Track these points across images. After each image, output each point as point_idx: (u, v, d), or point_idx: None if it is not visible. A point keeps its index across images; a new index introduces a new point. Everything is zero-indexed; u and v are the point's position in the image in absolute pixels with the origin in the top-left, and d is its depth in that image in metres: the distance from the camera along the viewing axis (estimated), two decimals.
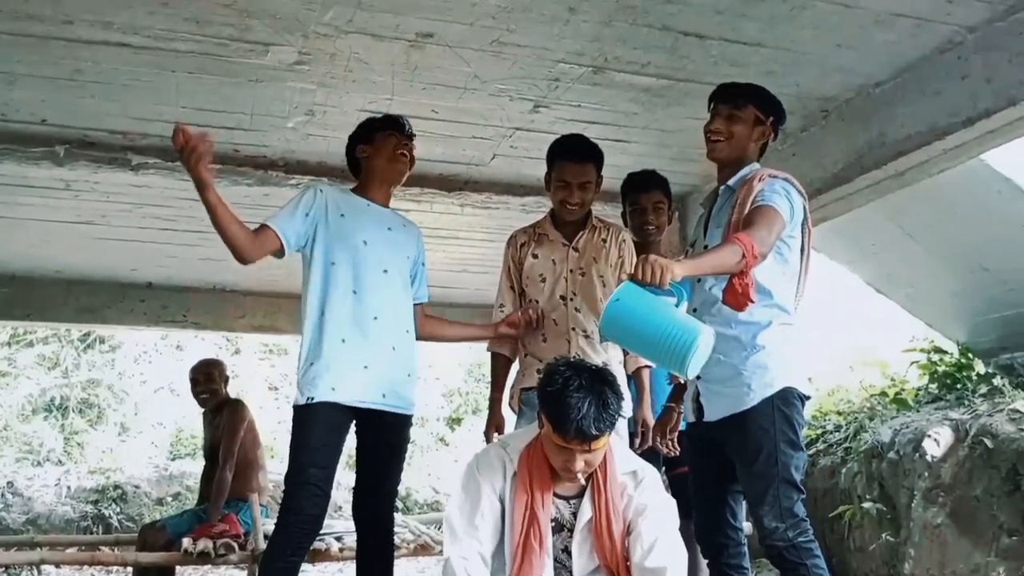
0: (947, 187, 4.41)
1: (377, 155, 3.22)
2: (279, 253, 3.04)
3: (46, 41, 3.29)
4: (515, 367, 3.54)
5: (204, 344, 12.00)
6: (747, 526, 3.02)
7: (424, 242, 3.43)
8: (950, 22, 3.26)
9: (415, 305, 3.34)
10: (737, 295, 2.50)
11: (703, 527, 2.89)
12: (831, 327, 8.83)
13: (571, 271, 3.39)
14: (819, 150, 4.11)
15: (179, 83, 3.65)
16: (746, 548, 2.95)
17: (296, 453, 2.99)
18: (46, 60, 3.44)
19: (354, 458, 3.26)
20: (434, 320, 3.49)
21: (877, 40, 3.38)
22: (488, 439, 3.39)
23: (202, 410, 5.33)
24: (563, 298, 3.38)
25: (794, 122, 4.14)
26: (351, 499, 3.28)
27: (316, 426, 2.98)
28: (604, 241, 3.43)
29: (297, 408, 3.03)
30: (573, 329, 3.35)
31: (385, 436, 3.18)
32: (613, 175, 3.87)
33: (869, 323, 8.02)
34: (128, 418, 11.96)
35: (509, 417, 3.47)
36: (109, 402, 11.89)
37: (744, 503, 2.94)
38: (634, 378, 3.44)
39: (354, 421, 3.15)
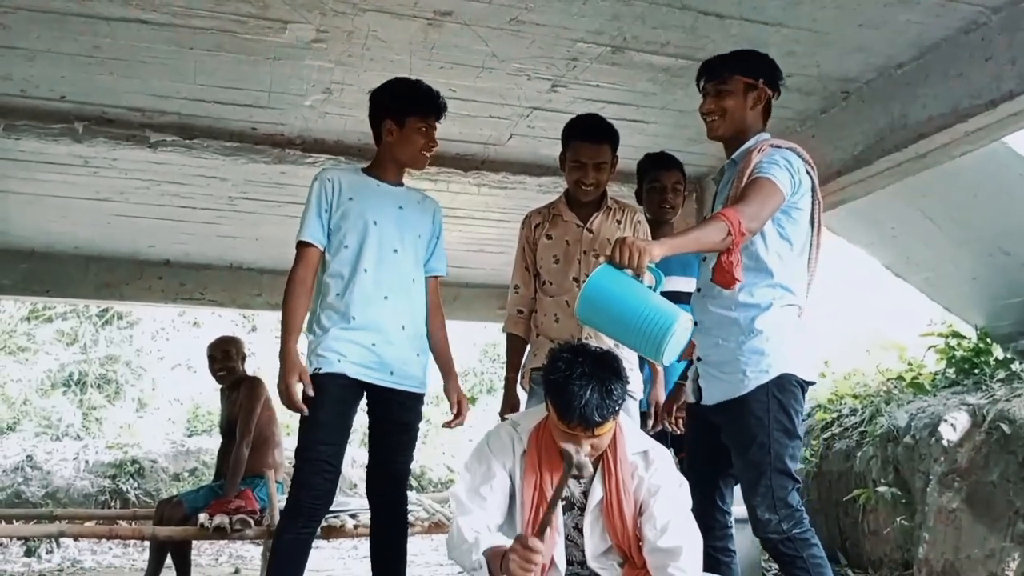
0: (968, 170, 4.37)
1: (404, 145, 3.17)
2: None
3: (66, 17, 3.30)
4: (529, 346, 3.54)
5: (221, 321, 12.06)
6: (737, 510, 2.99)
7: (443, 217, 3.41)
8: (974, 2, 3.22)
9: (428, 277, 3.34)
10: (723, 273, 2.45)
11: (693, 507, 2.86)
12: (848, 310, 8.79)
13: (585, 252, 3.38)
14: (839, 132, 4.08)
15: (197, 60, 3.66)
16: (732, 532, 2.93)
17: (306, 429, 3.02)
18: (65, 36, 3.45)
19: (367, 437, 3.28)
20: (439, 320, 3.38)
21: (900, 20, 3.35)
22: (504, 419, 3.40)
23: (219, 387, 5.36)
24: (576, 279, 3.36)
25: (814, 103, 4.12)
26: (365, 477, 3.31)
27: (325, 401, 3.00)
28: (619, 222, 3.42)
29: (310, 377, 3.03)
30: None
31: (396, 415, 3.18)
32: (631, 155, 3.87)
33: (887, 307, 7.98)
34: (146, 394, 12.05)
35: (524, 397, 3.48)
36: (127, 378, 11.99)
37: (734, 488, 2.92)
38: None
39: (366, 398, 3.16)
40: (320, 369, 3.02)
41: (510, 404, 3.43)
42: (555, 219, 3.45)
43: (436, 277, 3.37)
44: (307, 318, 3.15)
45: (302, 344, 3.11)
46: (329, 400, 3.01)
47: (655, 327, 2.32)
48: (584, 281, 3.32)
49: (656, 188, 3.75)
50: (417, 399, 3.24)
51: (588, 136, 3.31)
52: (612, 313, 2.37)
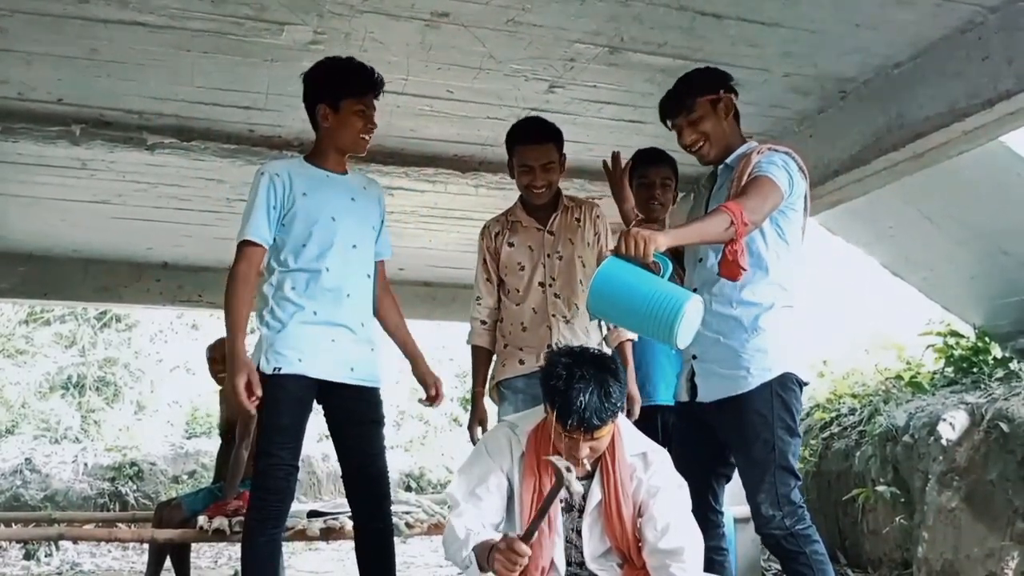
0: (966, 169, 4.38)
1: (341, 130, 3.05)
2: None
3: (63, 20, 3.29)
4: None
5: (219, 323, 12.03)
6: (739, 510, 3.00)
7: (385, 200, 3.31)
8: (971, 2, 3.22)
9: (380, 261, 3.27)
10: (729, 264, 2.48)
11: None
12: (847, 310, 8.80)
13: (548, 255, 3.38)
14: (837, 132, 4.08)
15: (194, 62, 3.65)
16: (725, 531, 2.95)
17: (267, 432, 2.95)
18: (63, 39, 3.44)
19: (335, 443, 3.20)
20: (391, 302, 3.31)
21: (897, 20, 3.35)
22: (472, 435, 3.37)
23: (218, 389, 5.36)
24: (542, 284, 3.37)
25: (812, 103, 4.12)
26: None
27: (284, 404, 2.93)
28: (578, 220, 3.42)
29: (262, 375, 2.91)
30: (553, 316, 3.33)
31: (364, 413, 3.11)
32: (627, 156, 3.86)
33: (885, 306, 7.99)
34: (144, 396, 12.04)
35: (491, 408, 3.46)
36: (125, 380, 11.97)
37: (725, 487, 2.95)
38: (617, 353, 3.42)
39: (323, 400, 3.08)
40: (280, 369, 2.92)
41: (478, 418, 3.39)
42: (514, 226, 3.45)
43: (382, 261, 3.30)
44: (259, 310, 3.06)
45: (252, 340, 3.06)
46: (290, 402, 2.94)
47: (666, 310, 2.34)
48: (550, 285, 3.35)
49: (644, 184, 3.72)
50: (378, 394, 3.17)
51: (530, 138, 3.32)
52: (622, 302, 2.40)
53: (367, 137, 3.08)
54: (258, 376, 2.86)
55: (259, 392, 2.84)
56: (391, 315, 3.31)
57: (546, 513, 2.29)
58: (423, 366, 3.32)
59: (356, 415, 3.11)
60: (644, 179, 3.73)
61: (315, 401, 3.07)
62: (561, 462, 2.30)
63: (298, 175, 3.05)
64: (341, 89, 3.01)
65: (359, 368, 3.07)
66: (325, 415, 3.15)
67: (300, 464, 3.05)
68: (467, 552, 2.39)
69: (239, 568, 6.73)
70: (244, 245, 3.01)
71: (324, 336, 2.99)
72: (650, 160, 3.74)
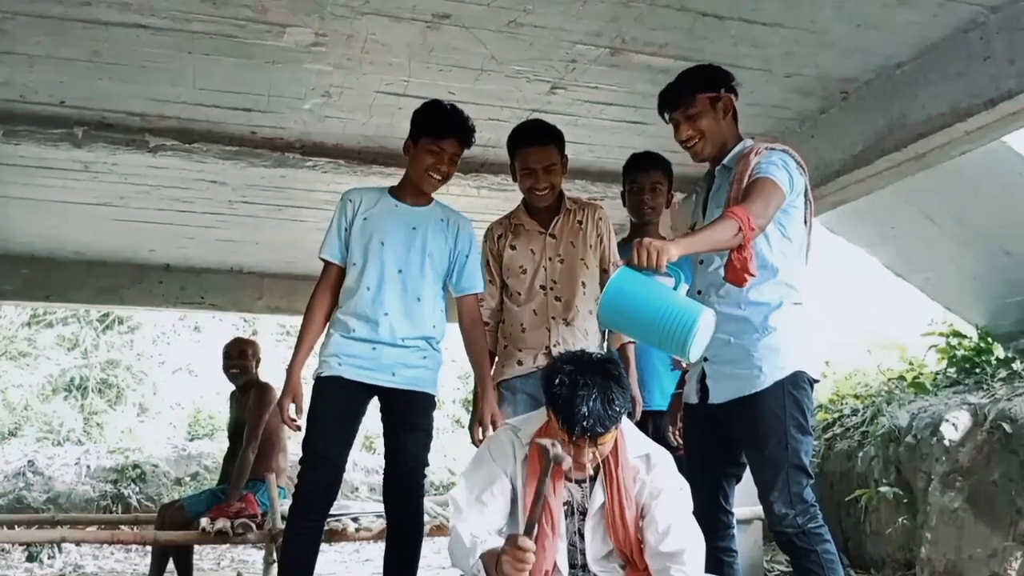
0: (968, 170, 4.38)
1: (412, 163, 3.26)
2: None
3: (64, 23, 3.30)
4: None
5: (222, 325, 12.05)
6: (740, 511, 2.99)
7: (472, 232, 3.40)
8: (973, 2, 3.22)
9: (464, 295, 3.34)
10: (736, 271, 2.48)
11: (696, 508, 2.86)
12: (849, 310, 8.79)
13: (550, 259, 3.39)
14: (839, 132, 4.08)
15: (196, 65, 3.66)
16: (735, 532, 2.95)
17: (308, 427, 3.15)
18: (64, 42, 3.45)
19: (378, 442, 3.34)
20: (475, 338, 3.34)
21: (899, 20, 3.34)
22: (473, 435, 3.37)
23: (229, 391, 5.39)
24: (543, 287, 3.37)
25: (813, 103, 4.11)
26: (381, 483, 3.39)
27: (325, 401, 3.15)
28: (580, 223, 3.42)
29: (314, 380, 3.22)
30: (553, 318, 3.34)
31: (404, 416, 3.23)
32: (627, 156, 3.87)
33: (887, 307, 7.98)
34: (147, 398, 12.03)
35: None
36: (128, 383, 11.96)
37: (735, 487, 2.95)
38: (619, 355, 3.41)
39: (380, 402, 3.26)
40: (322, 373, 3.18)
41: (478, 418, 3.37)
42: (517, 229, 3.46)
43: (473, 294, 3.36)
44: (329, 326, 3.31)
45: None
46: (329, 400, 3.15)
47: (679, 325, 2.33)
48: (551, 288, 3.34)
49: (635, 189, 3.74)
50: (424, 398, 3.26)
51: (532, 141, 3.33)
52: (634, 315, 2.39)
53: (435, 176, 3.22)
54: (301, 400, 3.19)
55: (297, 417, 3.18)
56: (473, 351, 3.35)
57: (542, 497, 2.26)
58: (483, 404, 3.30)
59: (398, 416, 3.24)
60: (634, 184, 3.75)
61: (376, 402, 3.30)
62: (546, 441, 2.29)
63: (368, 201, 3.30)
64: (420, 126, 3.23)
65: (400, 373, 3.19)
66: (381, 419, 3.32)
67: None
68: (474, 560, 2.37)
69: (241, 570, 6.75)
70: (323, 262, 3.32)
71: (363, 347, 3.18)
72: (640, 165, 3.75)
